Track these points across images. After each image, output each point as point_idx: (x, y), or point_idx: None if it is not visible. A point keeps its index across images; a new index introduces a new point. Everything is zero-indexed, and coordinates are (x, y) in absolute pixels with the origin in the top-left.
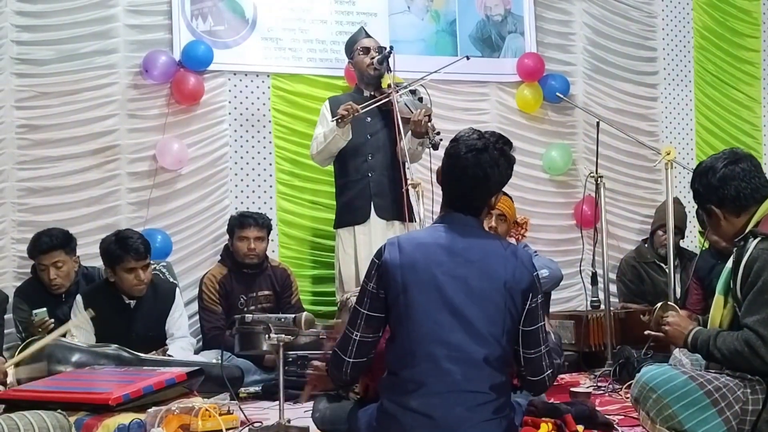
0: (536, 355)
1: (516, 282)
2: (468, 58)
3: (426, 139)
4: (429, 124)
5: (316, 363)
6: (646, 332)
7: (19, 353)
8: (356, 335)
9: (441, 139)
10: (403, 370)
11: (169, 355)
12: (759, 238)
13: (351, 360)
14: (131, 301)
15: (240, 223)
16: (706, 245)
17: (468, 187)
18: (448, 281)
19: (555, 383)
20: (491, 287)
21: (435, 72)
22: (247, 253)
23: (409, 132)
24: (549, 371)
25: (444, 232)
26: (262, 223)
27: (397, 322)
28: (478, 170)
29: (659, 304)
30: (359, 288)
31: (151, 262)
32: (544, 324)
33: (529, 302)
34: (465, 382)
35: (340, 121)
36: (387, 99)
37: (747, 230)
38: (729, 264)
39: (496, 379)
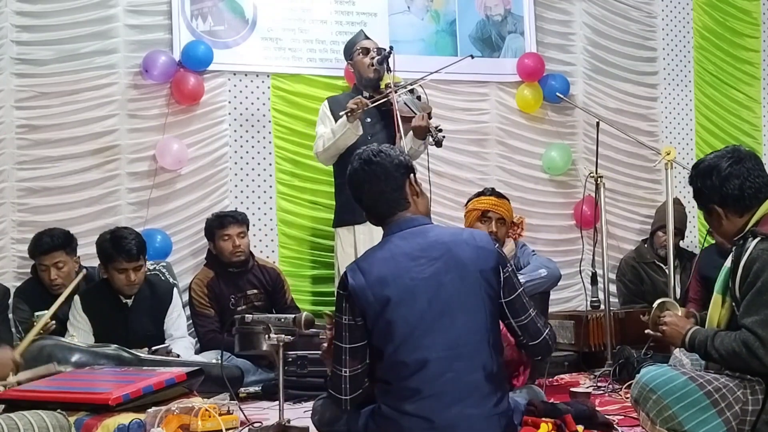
0: (528, 319)
1: (483, 262)
2: (472, 57)
3: (429, 136)
4: (431, 121)
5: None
6: (646, 331)
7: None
8: (345, 372)
9: (444, 136)
10: (397, 381)
11: (177, 355)
12: (759, 238)
13: (348, 397)
14: (128, 300)
15: (220, 223)
16: (711, 241)
17: (372, 192)
18: (421, 284)
19: (555, 383)
20: (462, 276)
21: (438, 71)
22: (233, 251)
23: (410, 132)
24: (546, 330)
25: (397, 240)
26: (241, 219)
27: (381, 341)
28: (368, 177)
29: (656, 303)
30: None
31: (150, 262)
32: (523, 290)
33: (501, 276)
34: (459, 378)
35: (350, 115)
36: (386, 99)
37: (747, 229)
38: (728, 263)
39: (490, 367)
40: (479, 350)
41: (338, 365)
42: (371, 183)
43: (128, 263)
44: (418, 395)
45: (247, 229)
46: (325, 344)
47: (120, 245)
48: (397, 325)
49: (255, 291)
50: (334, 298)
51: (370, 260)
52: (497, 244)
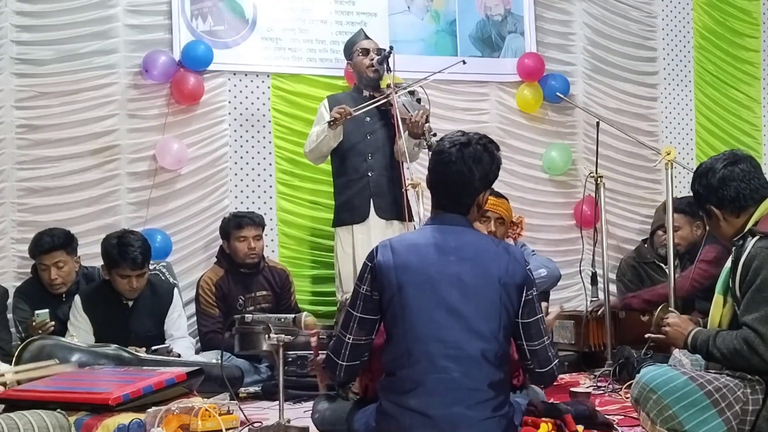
0: (540, 346)
1: (510, 277)
2: (464, 63)
3: (422, 140)
4: (426, 125)
5: (315, 360)
6: (646, 335)
7: (18, 354)
8: (349, 338)
9: (437, 141)
10: (401, 370)
11: (177, 354)
12: (757, 237)
13: (344, 363)
14: (129, 301)
15: (237, 223)
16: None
17: (454, 184)
18: (443, 279)
19: (555, 383)
20: (485, 283)
21: (431, 75)
22: (247, 252)
23: (407, 132)
24: (555, 361)
25: (435, 232)
26: (258, 222)
27: (392, 323)
28: (462, 166)
29: (659, 307)
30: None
31: (151, 262)
32: (543, 316)
33: (524, 295)
34: (463, 379)
35: (332, 123)
36: (386, 99)
37: (745, 229)
38: (728, 263)
39: (495, 376)
40: (487, 358)
41: (344, 330)
42: (453, 178)
43: (132, 271)
44: (421, 387)
45: (263, 232)
46: (314, 354)
47: (126, 253)
48: (410, 311)
49: (264, 292)
50: (334, 298)
51: (403, 243)
52: (528, 266)
